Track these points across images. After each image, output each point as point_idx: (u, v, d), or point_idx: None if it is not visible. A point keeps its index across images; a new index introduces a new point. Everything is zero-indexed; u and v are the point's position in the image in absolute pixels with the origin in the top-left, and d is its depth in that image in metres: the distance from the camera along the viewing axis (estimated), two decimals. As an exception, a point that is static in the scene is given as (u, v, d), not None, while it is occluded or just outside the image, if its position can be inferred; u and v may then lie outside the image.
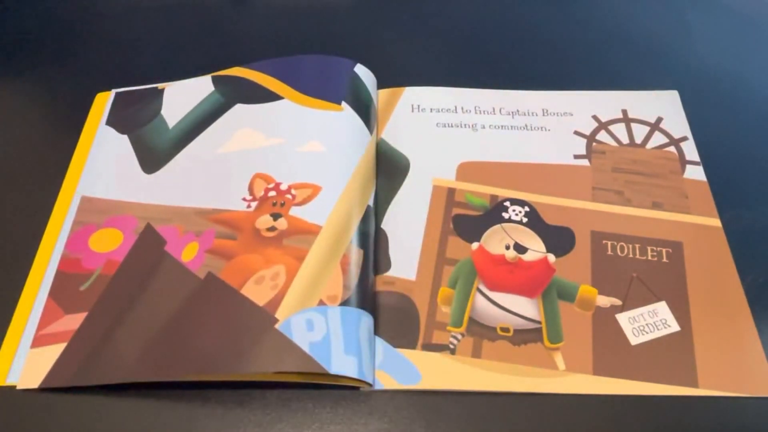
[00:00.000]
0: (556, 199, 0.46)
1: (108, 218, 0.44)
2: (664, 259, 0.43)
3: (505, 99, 0.52)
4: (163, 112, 0.50)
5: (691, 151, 0.49)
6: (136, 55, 0.57)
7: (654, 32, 0.58)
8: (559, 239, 0.44)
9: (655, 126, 0.50)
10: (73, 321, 0.39)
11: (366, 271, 0.41)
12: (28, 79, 0.55)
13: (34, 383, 0.37)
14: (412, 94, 0.52)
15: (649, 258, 0.43)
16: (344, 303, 0.38)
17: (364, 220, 0.43)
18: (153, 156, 0.48)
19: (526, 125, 0.50)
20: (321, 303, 0.38)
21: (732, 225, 0.44)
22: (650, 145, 0.49)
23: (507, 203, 0.46)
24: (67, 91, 0.54)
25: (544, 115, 0.51)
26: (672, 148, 0.49)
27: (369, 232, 0.43)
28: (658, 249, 0.43)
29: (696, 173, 0.47)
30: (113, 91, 0.53)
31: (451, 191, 0.46)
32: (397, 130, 0.50)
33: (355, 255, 0.41)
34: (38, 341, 0.39)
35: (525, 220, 0.45)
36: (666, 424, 0.36)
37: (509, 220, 0.45)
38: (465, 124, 0.50)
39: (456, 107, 0.51)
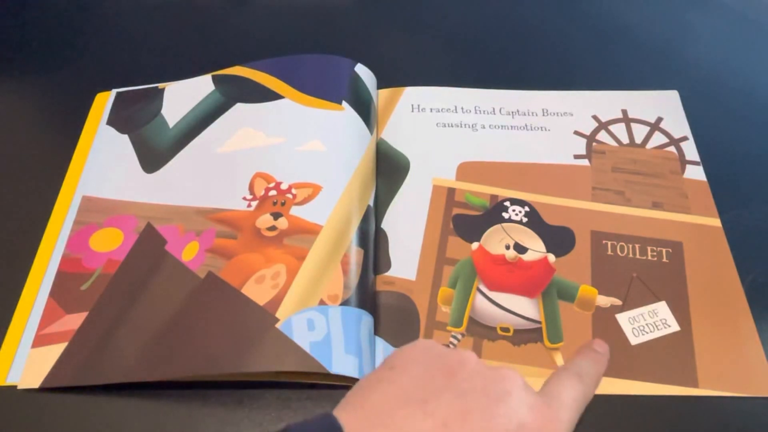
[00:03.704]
0: (556, 199, 0.46)
1: (109, 218, 0.44)
2: (664, 259, 0.43)
3: (505, 99, 0.52)
4: (163, 111, 0.50)
5: (691, 151, 0.49)
6: (136, 55, 0.57)
7: (654, 32, 0.58)
8: (559, 239, 0.44)
9: (655, 126, 0.50)
10: (74, 321, 0.39)
11: (366, 271, 0.41)
12: (28, 79, 0.55)
13: (35, 383, 0.37)
14: (412, 94, 0.52)
15: (649, 258, 0.43)
16: (345, 303, 0.38)
17: (365, 219, 0.43)
18: (153, 155, 0.48)
19: (526, 125, 0.50)
20: (321, 302, 0.38)
21: (732, 225, 0.44)
22: (650, 145, 0.49)
23: (507, 203, 0.46)
24: (67, 91, 0.54)
25: (544, 115, 0.51)
26: (672, 148, 0.49)
27: (369, 232, 0.43)
28: (658, 249, 0.43)
29: (696, 173, 0.47)
30: (113, 91, 0.53)
31: (451, 191, 0.46)
32: (397, 130, 0.50)
33: (356, 255, 0.41)
34: (39, 341, 0.39)
35: (525, 220, 0.45)
36: (666, 424, 0.36)
37: (509, 220, 0.45)
38: (465, 124, 0.50)
39: (456, 107, 0.51)
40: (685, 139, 0.49)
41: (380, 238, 0.44)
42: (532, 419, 0.28)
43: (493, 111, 0.51)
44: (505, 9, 0.60)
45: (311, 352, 0.36)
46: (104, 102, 0.52)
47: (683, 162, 0.48)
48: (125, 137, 0.49)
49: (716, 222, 0.44)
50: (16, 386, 0.37)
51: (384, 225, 0.44)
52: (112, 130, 0.50)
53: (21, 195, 0.47)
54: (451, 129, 0.50)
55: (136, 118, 0.50)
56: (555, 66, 0.55)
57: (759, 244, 0.44)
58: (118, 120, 0.50)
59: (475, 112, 0.51)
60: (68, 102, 0.52)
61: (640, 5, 0.60)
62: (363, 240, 0.42)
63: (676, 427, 0.36)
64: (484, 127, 0.50)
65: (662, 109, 0.51)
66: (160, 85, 0.52)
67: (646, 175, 0.47)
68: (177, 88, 0.52)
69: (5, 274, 0.42)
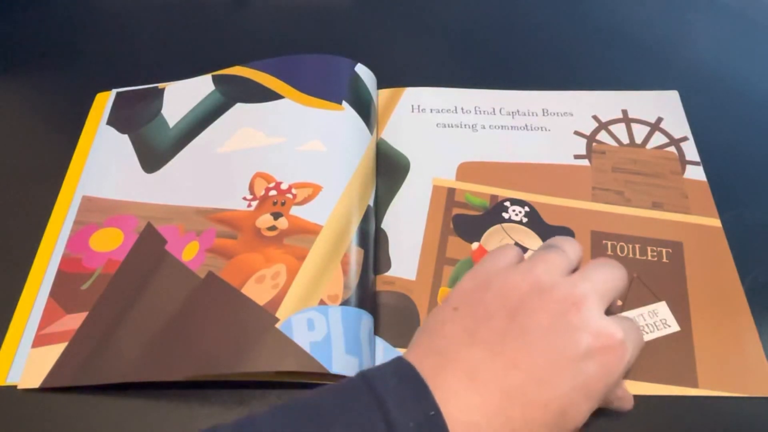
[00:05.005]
0: (556, 199, 0.46)
1: (109, 218, 0.44)
2: (664, 259, 0.43)
3: (505, 99, 0.52)
4: (163, 111, 0.50)
5: (691, 151, 0.49)
6: (136, 55, 0.57)
7: (654, 32, 0.58)
8: (559, 239, 0.44)
9: (655, 126, 0.50)
10: (74, 321, 0.39)
11: (366, 271, 0.41)
12: (29, 79, 0.55)
13: (35, 383, 0.37)
14: (412, 94, 0.52)
15: (649, 258, 0.43)
16: (345, 303, 0.38)
17: (365, 219, 0.43)
18: (153, 155, 0.48)
19: (526, 125, 0.50)
20: (322, 302, 0.38)
21: (732, 225, 0.44)
22: (650, 145, 0.49)
23: (507, 203, 0.46)
24: (67, 91, 0.54)
25: (544, 115, 0.51)
26: (672, 148, 0.49)
27: (369, 232, 0.43)
28: (658, 249, 0.43)
29: (696, 173, 0.47)
30: (113, 91, 0.53)
31: (451, 191, 0.46)
32: (398, 130, 0.50)
33: (356, 255, 0.41)
34: (39, 341, 0.39)
35: (525, 220, 0.45)
36: (666, 424, 0.36)
37: (509, 220, 0.45)
38: (465, 124, 0.50)
39: (456, 107, 0.51)
40: (685, 139, 0.49)
41: (380, 238, 0.44)
42: (599, 345, 0.29)
43: (493, 111, 0.51)
44: (506, 9, 0.61)
45: (311, 352, 0.36)
46: (104, 102, 0.52)
47: (683, 162, 0.48)
48: (125, 137, 0.49)
49: (716, 222, 0.44)
50: (16, 386, 0.38)
51: (384, 225, 0.44)
52: (112, 130, 0.50)
53: (21, 195, 0.47)
54: (451, 129, 0.50)
55: (136, 118, 0.50)
56: (555, 66, 0.55)
57: (759, 244, 0.44)
58: (118, 120, 0.50)
59: (475, 113, 0.51)
60: (68, 102, 0.52)
61: (640, 5, 0.60)
62: (363, 240, 0.42)
63: (676, 427, 0.36)
64: (484, 128, 0.50)
65: (662, 109, 0.51)
66: (160, 85, 0.52)
67: (646, 175, 0.47)
68: (177, 88, 0.52)
69: (5, 274, 0.42)
